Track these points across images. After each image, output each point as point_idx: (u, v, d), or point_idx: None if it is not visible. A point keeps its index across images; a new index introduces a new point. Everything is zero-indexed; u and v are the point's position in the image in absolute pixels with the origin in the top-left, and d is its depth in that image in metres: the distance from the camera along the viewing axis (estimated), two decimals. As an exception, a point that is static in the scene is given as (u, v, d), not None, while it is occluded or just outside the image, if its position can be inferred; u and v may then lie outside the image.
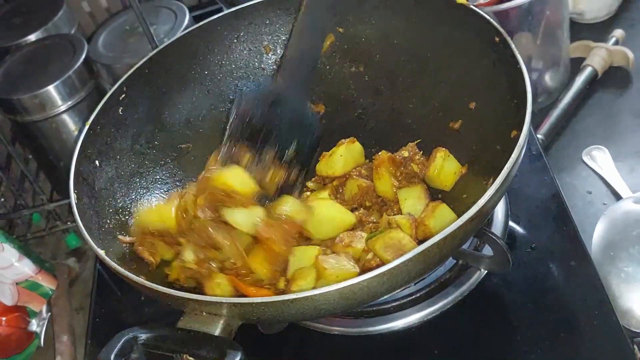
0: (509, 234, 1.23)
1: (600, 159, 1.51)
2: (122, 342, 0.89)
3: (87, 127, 1.18)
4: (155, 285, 0.94)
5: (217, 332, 0.90)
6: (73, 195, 1.09)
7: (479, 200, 0.89)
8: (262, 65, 1.43)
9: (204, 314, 0.92)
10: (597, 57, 1.68)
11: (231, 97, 1.41)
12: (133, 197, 1.25)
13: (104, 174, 1.20)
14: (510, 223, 1.26)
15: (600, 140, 1.55)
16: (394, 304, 1.16)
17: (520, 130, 0.98)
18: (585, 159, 1.52)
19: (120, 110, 1.25)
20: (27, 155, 1.80)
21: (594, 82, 1.67)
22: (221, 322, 0.91)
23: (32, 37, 1.74)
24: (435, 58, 1.29)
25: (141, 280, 0.96)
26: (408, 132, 1.31)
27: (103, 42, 1.64)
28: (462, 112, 1.24)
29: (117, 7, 2.07)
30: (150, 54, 1.30)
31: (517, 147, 0.95)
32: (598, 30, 1.81)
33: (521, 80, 1.04)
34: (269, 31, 1.41)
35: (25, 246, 1.56)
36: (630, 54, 1.67)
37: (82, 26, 1.99)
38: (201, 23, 1.36)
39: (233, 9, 1.37)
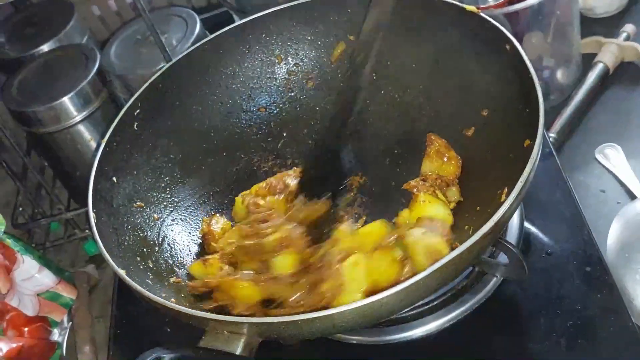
0: (524, 239, 1.24)
1: (613, 157, 1.51)
2: None
3: (103, 144, 1.20)
4: (177, 306, 0.96)
5: (238, 351, 0.91)
6: (92, 215, 1.10)
7: (494, 217, 0.90)
8: (274, 75, 1.43)
9: (225, 333, 0.93)
10: (608, 53, 1.68)
11: (244, 106, 1.42)
12: (152, 212, 1.26)
13: (122, 191, 1.22)
14: (526, 224, 1.27)
15: (613, 137, 1.54)
16: (412, 312, 1.17)
17: (533, 140, 0.99)
18: (599, 157, 1.52)
19: (135, 125, 1.26)
20: (44, 164, 1.81)
21: (605, 79, 1.67)
22: (242, 340, 0.92)
23: (44, 48, 1.75)
24: (445, 65, 1.29)
25: (163, 300, 0.97)
26: (421, 140, 1.32)
27: (115, 52, 1.65)
28: (475, 119, 1.24)
29: (127, 11, 2.07)
30: (163, 69, 1.31)
31: (530, 160, 0.95)
32: (609, 25, 1.80)
33: (533, 89, 1.04)
34: (280, 41, 1.42)
35: (45, 257, 1.58)
36: (642, 50, 1.67)
37: (94, 31, 2.00)
38: (212, 36, 1.37)
39: (243, 20, 1.38)
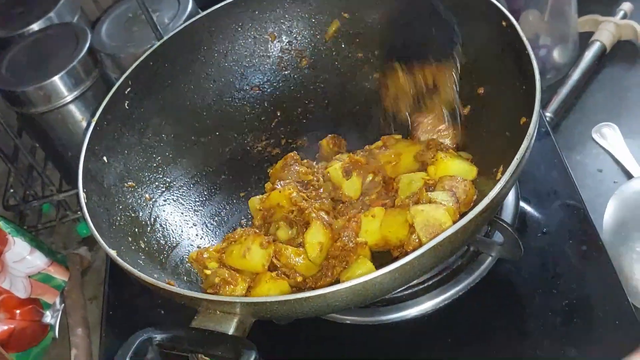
0: (520, 218, 1.22)
1: (610, 136, 1.50)
2: (137, 343, 0.90)
3: (93, 123, 1.18)
4: (170, 286, 0.95)
5: (231, 331, 0.91)
6: (82, 195, 1.09)
7: (490, 193, 0.89)
8: (268, 53, 1.42)
9: (218, 313, 0.92)
10: (606, 31, 1.67)
11: (237, 85, 1.40)
12: (143, 192, 1.25)
13: (113, 170, 1.20)
14: (521, 204, 1.26)
15: (609, 116, 1.53)
16: (406, 292, 1.16)
17: (529, 117, 0.97)
18: (595, 136, 1.51)
19: (126, 104, 1.24)
20: (35, 145, 1.79)
21: (602, 57, 1.65)
22: (235, 320, 0.91)
23: (34, 27, 1.72)
24: (441, 42, 1.27)
25: (154, 280, 0.96)
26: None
27: (106, 31, 1.62)
28: (471, 97, 1.22)
29: (120, -10, 2.04)
30: (154, 47, 1.29)
31: (526, 136, 0.94)
32: (606, 3, 1.78)
33: (529, 66, 1.03)
34: (273, 18, 1.40)
35: (37, 238, 1.56)
36: (639, 28, 1.65)
37: (85, 10, 1.97)
38: (203, 13, 1.35)
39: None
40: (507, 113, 1.10)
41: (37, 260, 1.48)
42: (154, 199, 1.25)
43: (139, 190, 1.24)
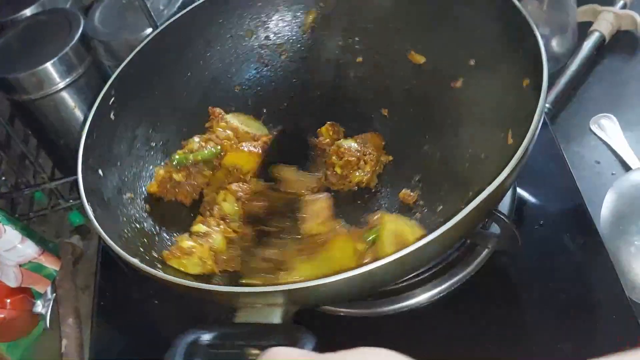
0: (517, 210, 1.21)
1: (608, 127, 1.48)
2: (186, 346, 0.85)
3: (83, 138, 1.15)
4: (202, 284, 0.92)
5: (278, 321, 0.87)
6: (89, 209, 1.06)
7: (495, 180, 0.87)
8: (246, 51, 1.42)
9: (260, 305, 0.89)
10: (605, 21, 1.65)
11: (221, 84, 1.39)
12: (143, 203, 1.24)
13: (109, 183, 1.18)
14: (518, 195, 1.24)
15: (608, 108, 1.51)
16: (402, 284, 1.15)
17: (532, 77, 0.98)
18: (594, 127, 1.49)
19: (112, 114, 1.21)
20: (27, 132, 1.77)
21: (601, 48, 1.63)
22: (280, 310, 0.88)
23: (26, 12, 1.70)
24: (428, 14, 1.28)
25: (186, 281, 0.93)
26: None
27: (99, 17, 1.60)
28: (462, 70, 1.22)
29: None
30: (131, 55, 1.27)
31: (538, 105, 0.92)
32: (606, -8, 1.77)
33: (525, 25, 1.06)
34: (250, 13, 1.41)
35: (28, 227, 1.54)
36: (639, 18, 1.63)
37: (79, -3, 1.95)
38: (177, 16, 1.35)
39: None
40: (506, 78, 1.11)
41: (28, 249, 1.46)
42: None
43: (138, 200, 1.22)
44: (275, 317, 0.87)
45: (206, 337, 0.86)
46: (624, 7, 1.68)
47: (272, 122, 1.43)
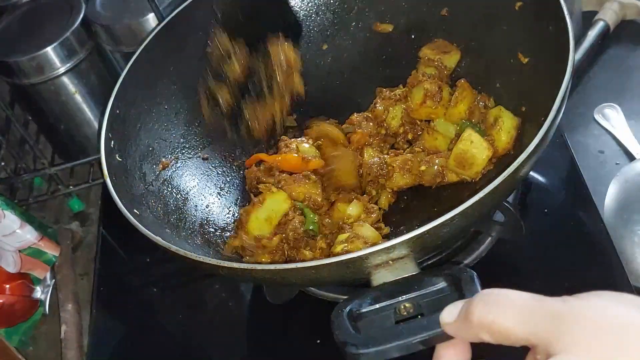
0: (521, 198, 1.20)
1: (612, 117, 1.47)
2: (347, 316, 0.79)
3: (108, 180, 1.10)
4: (322, 260, 0.84)
5: (417, 271, 0.83)
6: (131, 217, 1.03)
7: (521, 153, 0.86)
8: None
9: (390, 262, 0.83)
10: (610, 10, 1.63)
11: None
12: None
13: (145, 220, 1.13)
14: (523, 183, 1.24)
15: (612, 97, 1.51)
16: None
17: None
18: (598, 117, 1.48)
19: (117, 156, 1.18)
20: (27, 117, 1.76)
21: (605, 37, 1.62)
22: (412, 259, 0.83)
23: (27, -3, 1.69)
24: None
25: (288, 264, 0.87)
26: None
27: (101, 1, 1.58)
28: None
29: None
30: (114, 93, 1.22)
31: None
32: (611, -18, 1.75)
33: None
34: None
35: (27, 212, 1.54)
36: (644, 7, 1.63)
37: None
38: (163, 23, 1.33)
39: None
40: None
41: (28, 235, 1.45)
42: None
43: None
44: (410, 268, 0.82)
45: (361, 305, 0.79)
46: (629, -4, 1.67)
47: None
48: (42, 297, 1.47)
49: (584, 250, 1.13)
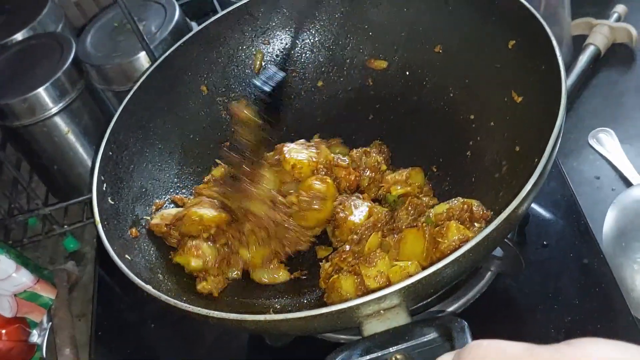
0: (519, 230, 1.20)
1: (607, 142, 1.47)
2: None
3: (99, 226, 1.10)
4: (312, 311, 0.84)
5: (408, 321, 0.82)
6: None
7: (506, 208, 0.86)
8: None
9: (382, 312, 0.83)
10: (600, 35, 1.64)
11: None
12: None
13: (137, 266, 1.13)
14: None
15: (606, 122, 1.50)
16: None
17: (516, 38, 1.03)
18: (592, 142, 1.48)
19: (110, 200, 1.18)
20: (20, 157, 1.75)
21: (597, 61, 1.62)
22: (404, 308, 0.83)
23: (18, 37, 1.68)
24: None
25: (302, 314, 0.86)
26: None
27: (91, 40, 1.58)
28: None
29: (106, -4, 2.01)
30: (106, 136, 1.22)
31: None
32: (600, 5, 1.75)
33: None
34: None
35: (22, 255, 1.52)
36: (634, 31, 1.63)
37: (70, 18, 1.94)
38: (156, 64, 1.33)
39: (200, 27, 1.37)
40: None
41: (23, 278, 1.44)
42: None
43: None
44: (402, 317, 0.82)
45: (351, 356, 0.80)
46: (619, 19, 1.67)
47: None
48: (39, 341, 1.45)
49: (583, 282, 1.12)
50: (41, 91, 1.49)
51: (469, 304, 1.12)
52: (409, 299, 0.83)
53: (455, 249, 0.84)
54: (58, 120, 1.53)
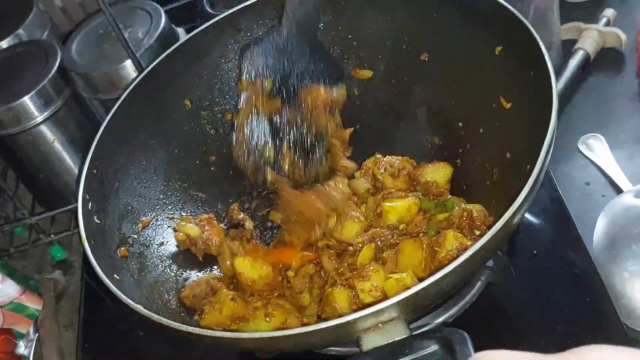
0: (509, 239, 1.19)
1: (597, 147, 1.46)
2: None
3: (86, 244, 1.08)
4: (309, 327, 0.83)
5: (407, 334, 0.81)
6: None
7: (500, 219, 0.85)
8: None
9: (380, 325, 0.82)
10: (589, 39, 1.63)
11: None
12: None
13: (126, 285, 1.13)
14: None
15: (596, 127, 1.50)
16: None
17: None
18: (582, 148, 1.48)
19: (95, 218, 1.16)
20: (5, 167, 1.74)
21: (586, 66, 1.62)
22: (402, 321, 0.82)
23: (2, 44, 1.66)
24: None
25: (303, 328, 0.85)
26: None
27: (77, 48, 1.56)
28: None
29: (92, 1, 1.98)
30: (90, 153, 1.20)
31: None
32: (589, 10, 1.75)
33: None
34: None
35: (8, 265, 1.51)
36: (623, 35, 1.62)
37: (56, 24, 1.92)
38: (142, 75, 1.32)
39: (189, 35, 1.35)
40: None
41: (9, 289, 1.43)
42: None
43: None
44: (401, 331, 0.80)
45: None
46: (608, 24, 1.67)
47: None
48: (26, 352, 1.44)
49: (574, 290, 1.12)
50: (26, 100, 1.47)
51: (460, 313, 1.11)
52: (407, 312, 0.82)
53: (454, 259, 0.83)
54: (44, 128, 1.51)
